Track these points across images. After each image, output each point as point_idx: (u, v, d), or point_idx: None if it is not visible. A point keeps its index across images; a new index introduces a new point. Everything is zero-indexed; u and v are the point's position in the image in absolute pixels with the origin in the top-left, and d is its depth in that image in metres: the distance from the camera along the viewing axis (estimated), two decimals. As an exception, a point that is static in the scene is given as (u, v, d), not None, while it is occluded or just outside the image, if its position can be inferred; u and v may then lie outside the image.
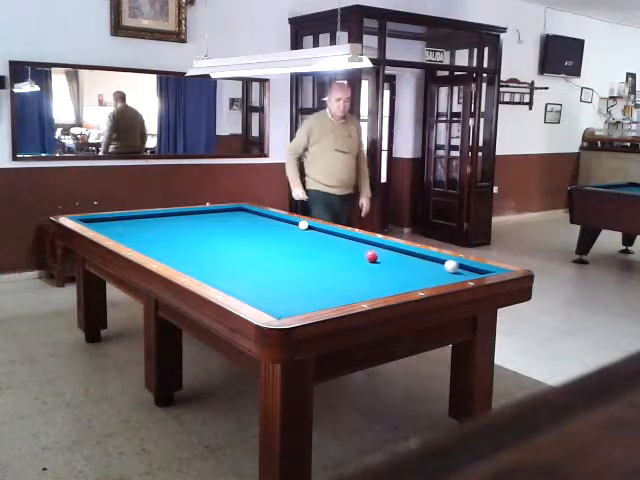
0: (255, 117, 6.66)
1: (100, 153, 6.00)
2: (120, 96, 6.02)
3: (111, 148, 6.06)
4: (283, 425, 2.14)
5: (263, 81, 6.35)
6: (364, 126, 6.31)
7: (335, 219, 4.41)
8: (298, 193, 4.62)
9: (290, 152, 4.69)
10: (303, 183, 4.71)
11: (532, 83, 8.90)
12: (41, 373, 3.43)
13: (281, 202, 6.27)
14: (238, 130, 6.75)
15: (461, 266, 2.89)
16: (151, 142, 6.50)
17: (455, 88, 7.55)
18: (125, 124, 6.21)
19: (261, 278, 2.75)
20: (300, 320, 2.03)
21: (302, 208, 4.74)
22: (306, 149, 4.59)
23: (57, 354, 3.70)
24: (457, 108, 7.49)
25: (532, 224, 8.82)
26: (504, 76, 7.63)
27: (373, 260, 2.94)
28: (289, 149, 4.73)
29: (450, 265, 2.76)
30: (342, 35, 4.18)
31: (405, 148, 7.97)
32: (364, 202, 4.80)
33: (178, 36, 5.69)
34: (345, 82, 5.22)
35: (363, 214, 4.81)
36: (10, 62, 5.00)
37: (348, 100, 4.52)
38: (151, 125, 6.39)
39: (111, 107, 6.27)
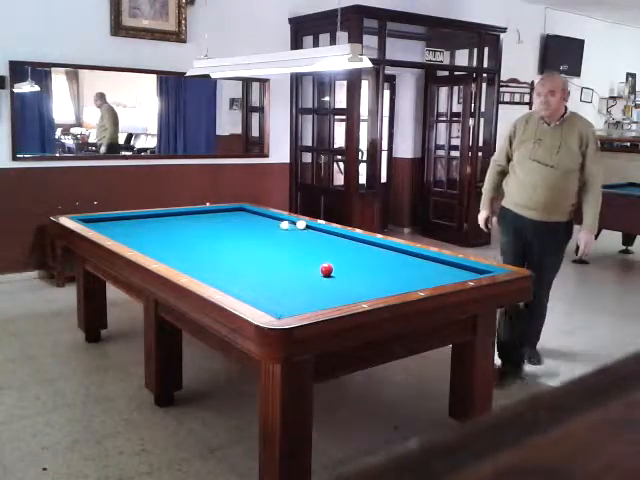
0: (255, 117, 6.66)
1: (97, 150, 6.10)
2: (101, 96, 6.06)
3: (100, 144, 6.15)
4: (283, 425, 2.14)
5: (263, 81, 6.35)
6: (364, 126, 6.31)
7: (525, 251, 3.48)
8: (479, 217, 3.66)
9: (492, 162, 3.68)
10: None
11: (532, 83, 8.89)
12: (41, 373, 3.43)
13: (281, 202, 6.28)
14: (238, 130, 6.75)
15: (461, 266, 2.89)
16: (151, 142, 6.50)
17: (455, 88, 7.55)
18: (106, 122, 6.26)
19: (261, 278, 2.75)
20: (300, 320, 2.03)
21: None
22: (510, 158, 3.52)
23: (57, 354, 3.70)
24: (457, 108, 7.49)
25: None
26: (504, 76, 7.63)
27: (327, 274, 2.71)
28: (492, 158, 3.72)
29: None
30: (342, 35, 4.18)
31: (405, 148, 7.97)
32: (583, 238, 3.46)
33: (178, 36, 5.68)
34: (555, 73, 4.04)
35: (580, 253, 3.55)
36: (10, 62, 5.00)
37: (553, 94, 3.28)
38: (151, 125, 6.39)
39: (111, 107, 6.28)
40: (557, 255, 3.49)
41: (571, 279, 6.03)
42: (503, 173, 3.58)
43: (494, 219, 3.66)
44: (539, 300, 3.41)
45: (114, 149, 6.18)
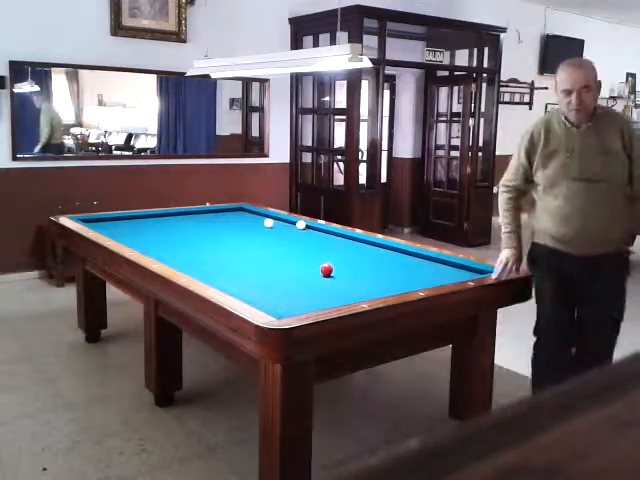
0: (255, 117, 6.66)
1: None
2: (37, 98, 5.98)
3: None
4: (283, 425, 2.14)
5: (263, 81, 6.35)
6: (364, 126, 6.31)
7: (571, 295, 2.70)
8: (502, 258, 2.68)
9: (502, 185, 2.82)
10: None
11: (532, 83, 8.90)
12: (41, 373, 3.43)
13: (281, 202, 6.28)
14: (238, 130, 6.75)
15: (461, 266, 2.89)
16: (151, 142, 6.50)
17: (455, 88, 7.55)
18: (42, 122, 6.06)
19: (261, 278, 2.75)
20: (300, 320, 2.03)
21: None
22: (529, 179, 2.70)
23: (57, 354, 3.70)
24: (457, 108, 7.49)
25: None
26: (504, 76, 7.63)
27: (327, 274, 2.71)
28: (502, 182, 2.83)
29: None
30: (342, 35, 4.19)
31: (405, 148, 7.97)
32: None
33: (178, 36, 5.68)
34: (580, 60, 2.91)
35: None
36: (10, 62, 5.00)
37: (589, 89, 2.47)
38: (151, 125, 6.39)
39: (111, 107, 6.28)
40: (618, 298, 2.68)
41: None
42: (522, 198, 2.78)
43: (518, 261, 2.71)
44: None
45: (50, 149, 5.75)
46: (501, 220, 2.80)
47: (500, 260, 2.66)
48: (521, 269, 2.71)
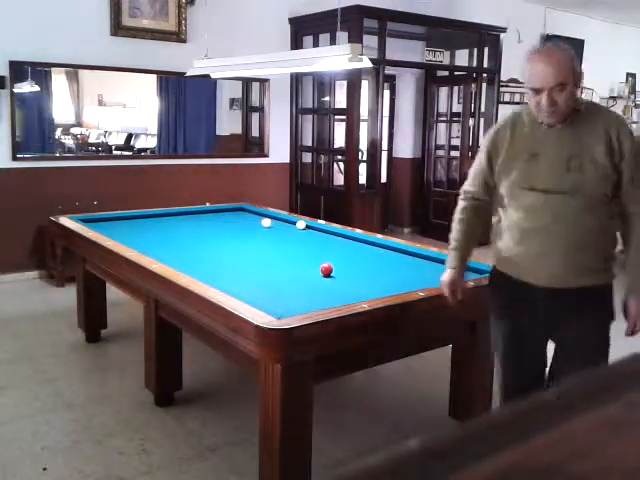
0: (255, 117, 6.66)
1: None
2: None
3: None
4: (283, 425, 2.14)
5: (263, 81, 6.35)
6: (364, 126, 6.31)
7: (539, 346, 2.16)
8: (442, 280, 2.25)
9: (462, 193, 2.29)
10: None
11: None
12: (41, 373, 3.43)
13: (281, 202, 6.28)
14: (238, 130, 6.75)
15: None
16: (151, 142, 6.51)
17: (455, 88, 7.55)
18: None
19: (261, 278, 2.75)
20: (300, 320, 2.03)
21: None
22: (491, 187, 2.17)
23: (57, 354, 3.70)
24: (457, 108, 7.49)
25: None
26: (504, 76, 7.63)
27: (327, 274, 2.71)
28: (462, 188, 2.30)
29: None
30: (342, 35, 4.19)
31: (405, 148, 7.97)
32: (633, 307, 2.10)
33: (178, 36, 5.68)
34: (552, 50, 2.00)
35: (628, 331, 2.10)
36: (10, 62, 5.00)
37: (564, 87, 1.91)
38: (151, 125, 6.39)
39: (111, 107, 6.28)
40: (596, 352, 2.06)
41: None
42: (484, 211, 2.23)
43: (464, 285, 2.28)
44: None
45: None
46: (453, 234, 2.26)
47: (445, 280, 2.23)
48: (447, 289, 2.22)
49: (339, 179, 6.66)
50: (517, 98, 8.76)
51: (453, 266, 2.24)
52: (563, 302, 2.04)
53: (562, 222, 1.98)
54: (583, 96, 9.58)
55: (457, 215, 2.26)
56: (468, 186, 2.25)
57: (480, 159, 2.19)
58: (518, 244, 2.07)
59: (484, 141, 2.20)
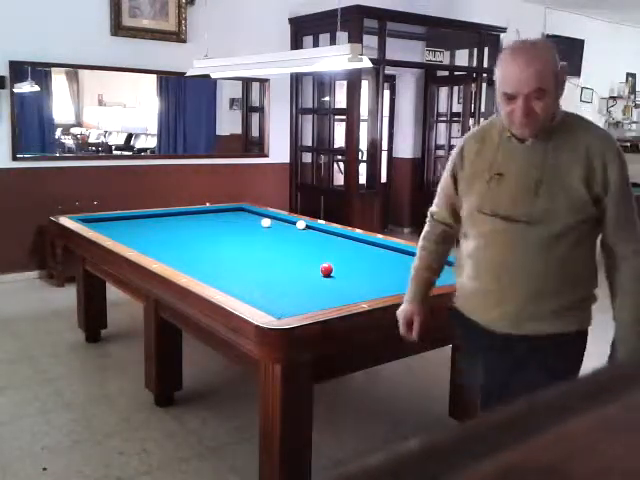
0: (255, 117, 6.66)
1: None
2: None
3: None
4: (283, 425, 2.14)
5: (263, 81, 6.35)
6: (364, 126, 6.30)
7: (503, 384, 1.77)
8: (397, 314, 2.01)
9: (429, 215, 2.01)
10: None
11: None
12: (41, 373, 3.43)
13: (281, 202, 6.28)
14: (238, 130, 6.75)
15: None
16: (151, 142, 6.51)
17: (455, 88, 7.55)
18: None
19: (261, 278, 2.75)
20: (300, 320, 2.03)
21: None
22: (457, 210, 1.88)
23: (57, 354, 3.70)
24: (457, 108, 7.49)
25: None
26: (504, 76, 7.63)
27: (327, 274, 2.71)
28: (430, 210, 2.02)
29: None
30: (342, 35, 4.19)
31: (405, 148, 7.97)
32: (623, 351, 1.67)
33: (178, 36, 5.68)
34: (530, 47, 1.64)
35: None
36: (10, 62, 5.00)
37: (542, 94, 1.59)
38: (151, 125, 6.39)
39: (111, 107, 6.28)
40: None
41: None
42: (451, 237, 1.97)
43: (424, 320, 1.99)
44: None
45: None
46: (415, 262, 1.99)
47: (400, 314, 1.99)
48: (403, 328, 1.99)
49: (339, 179, 6.66)
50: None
51: (410, 299, 1.97)
52: (527, 353, 1.71)
53: (523, 255, 1.67)
54: (583, 96, 9.60)
55: (420, 241, 1.99)
56: (434, 206, 1.96)
57: (445, 178, 1.89)
58: (473, 279, 1.78)
59: (452, 153, 1.89)
